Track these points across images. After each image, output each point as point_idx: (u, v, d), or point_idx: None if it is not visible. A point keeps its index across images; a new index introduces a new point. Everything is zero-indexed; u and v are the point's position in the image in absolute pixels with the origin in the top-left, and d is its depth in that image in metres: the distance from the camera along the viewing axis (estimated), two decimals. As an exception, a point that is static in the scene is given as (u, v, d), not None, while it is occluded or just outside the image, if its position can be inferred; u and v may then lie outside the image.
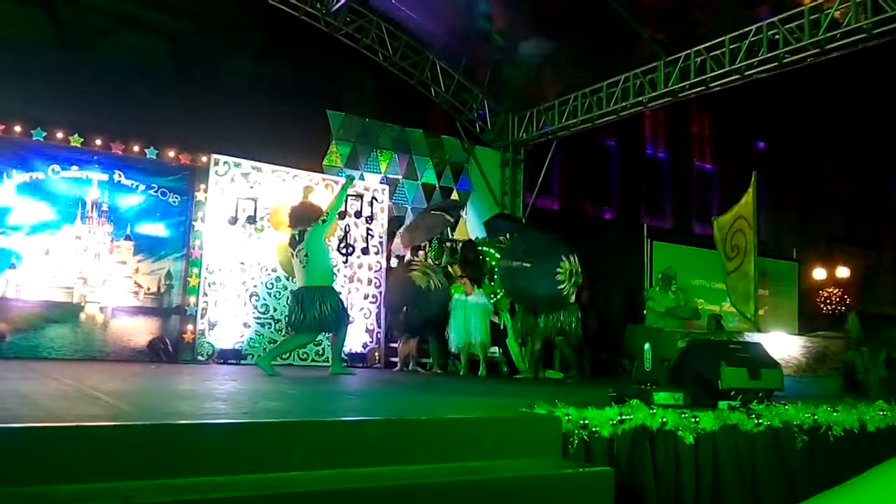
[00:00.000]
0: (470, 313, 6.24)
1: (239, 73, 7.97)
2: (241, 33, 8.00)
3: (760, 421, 3.12)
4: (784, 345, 5.55)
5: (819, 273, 13.10)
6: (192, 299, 6.87)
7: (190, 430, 2.07)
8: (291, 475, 2.02)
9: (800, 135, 12.30)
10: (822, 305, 12.84)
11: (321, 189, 7.76)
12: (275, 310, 7.18)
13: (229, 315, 6.96)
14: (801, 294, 11.31)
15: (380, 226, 7.98)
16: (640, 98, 8.12)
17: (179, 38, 7.62)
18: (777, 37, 6.84)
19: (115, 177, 6.73)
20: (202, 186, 7.05)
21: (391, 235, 8.06)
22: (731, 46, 7.22)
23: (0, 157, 6.29)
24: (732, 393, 3.29)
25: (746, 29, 7.08)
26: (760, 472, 3.10)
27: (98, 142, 6.66)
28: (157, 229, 6.88)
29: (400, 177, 8.93)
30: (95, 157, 6.66)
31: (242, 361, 6.84)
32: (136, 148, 6.83)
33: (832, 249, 13.29)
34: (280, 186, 7.41)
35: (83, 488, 1.74)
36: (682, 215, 12.19)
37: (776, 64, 6.98)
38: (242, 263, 7.11)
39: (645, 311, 7.48)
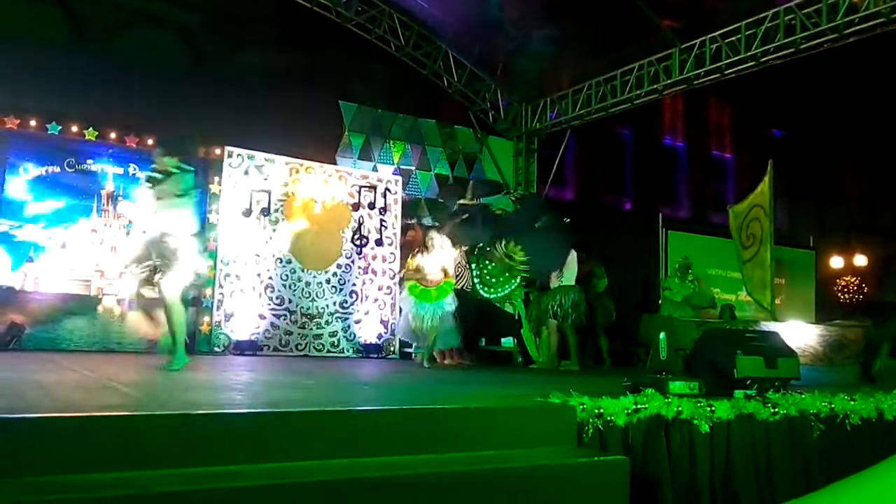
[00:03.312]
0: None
1: (251, 66, 7.98)
2: (252, 26, 8.01)
3: (776, 410, 3.10)
4: (801, 333, 5.49)
5: (836, 261, 12.90)
6: (208, 291, 6.95)
7: (207, 420, 2.10)
8: (307, 464, 2.04)
9: (818, 122, 12.08)
10: (839, 294, 12.66)
11: (335, 181, 7.78)
12: (289, 301, 7.23)
13: (245, 306, 7.03)
14: (818, 283, 11.15)
15: (393, 217, 7.99)
16: (655, 86, 8.01)
17: (192, 31, 7.64)
18: (794, 22, 6.70)
19: (130, 170, 6.79)
20: (216, 179, 7.10)
21: (405, 227, 8.08)
22: (746, 32, 7.08)
23: (16, 152, 6.37)
24: (748, 382, 3.27)
25: (762, 15, 6.95)
26: (776, 460, 3.08)
27: (112, 135, 6.72)
28: (172, 222, 6.95)
29: (413, 168, 8.92)
30: (110, 151, 6.72)
31: (258, 353, 6.92)
32: (149, 141, 6.87)
33: (850, 238, 13.08)
34: (293, 178, 7.45)
35: (103, 477, 1.77)
36: (699, 204, 12.05)
37: (793, 50, 6.84)
38: (257, 255, 7.16)
39: (661, 301, 7.43)
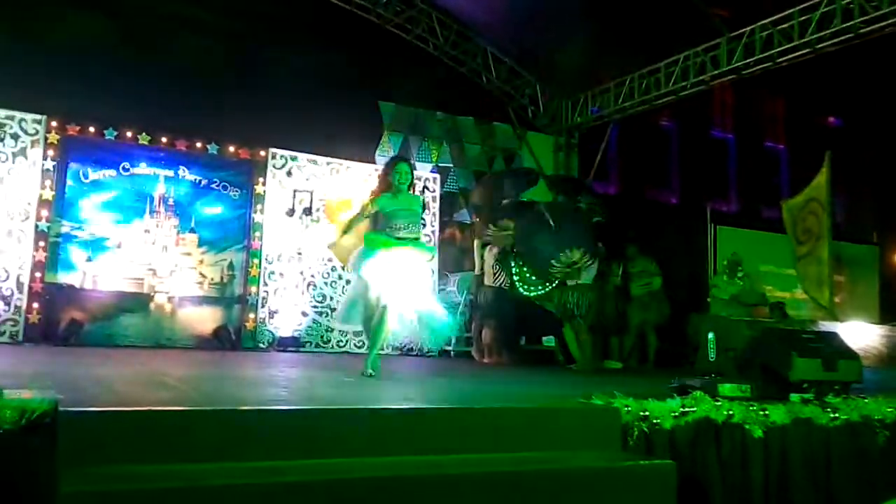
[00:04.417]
0: None
1: (293, 69, 8.13)
2: (294, 30, 8.15)
3: (837, 415, 2.93)
4: (863, 334, 5.21)
5: (903, 257, 12.14)
6: (253, 289, 7.13)
7: (254, 416, 2.15)
8: (350, 461, 2.06)
9: (879, 109, 11.39)
10: (906, 292, 11.91)
11: (374, 180, 7.84)
12: (331, 298, 7.35)
13: (288, 304, 7.19)
14: (882, 280, 10.56)
15: (431, 215, 8.02)
16: (702, 77, 7.74)
17: (236, 37, 7.84)
18: (852, 6, 6.34)
19: (180, 172, 7.04)
20: (261, 180, 7.28)
21: (443, 224, 8.09)
22: (800, 19, 6.75)
23: (77, 157, 6.70)
24: (805, 385, 3.11)
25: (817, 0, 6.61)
26: (836, 468, 2.92)
27: (164, 139, 6.98)
28: (219, 222, 7.17)
29: (451, 165, 8.91)
30: (162, 154, 6.98)
31: (300, 349, 7.06)
32: (198, 144, 7.11)
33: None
34: (335, 178, 7.56)
35: (159, 468, 1.83)
36: (749, 198, 11.58)
37: (851, 35, 6.48)
38: (300, 254, 7.32)
39: (709, 299, 7.17)
